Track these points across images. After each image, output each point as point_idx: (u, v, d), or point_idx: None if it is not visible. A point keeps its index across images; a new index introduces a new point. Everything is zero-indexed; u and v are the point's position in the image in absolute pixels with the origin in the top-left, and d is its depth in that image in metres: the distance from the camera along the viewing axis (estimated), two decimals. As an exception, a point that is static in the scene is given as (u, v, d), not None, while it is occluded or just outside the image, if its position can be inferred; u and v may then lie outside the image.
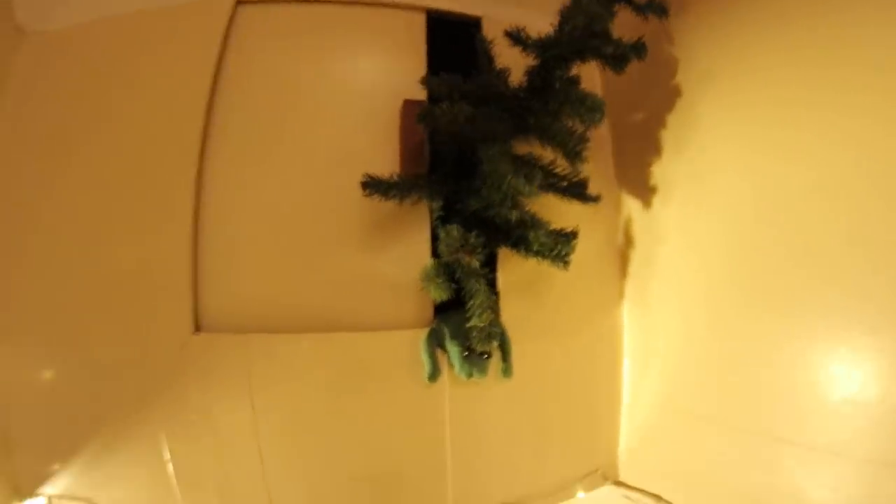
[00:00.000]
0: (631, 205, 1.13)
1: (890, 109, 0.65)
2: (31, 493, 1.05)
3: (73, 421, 1.00)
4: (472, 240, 0.77)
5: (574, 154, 0.80)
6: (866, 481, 0.67)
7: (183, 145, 0.99)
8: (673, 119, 1.02)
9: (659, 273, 1.07)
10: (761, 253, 0.84)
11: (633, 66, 0.91)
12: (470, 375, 0.92)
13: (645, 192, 1.09)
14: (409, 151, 0.98)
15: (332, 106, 1.05)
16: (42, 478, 1.03)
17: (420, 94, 1.01)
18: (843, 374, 0.71)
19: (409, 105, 0.99)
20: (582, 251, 1.07)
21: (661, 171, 1.06)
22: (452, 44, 1.13)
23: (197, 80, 1.01)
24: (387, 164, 1.00)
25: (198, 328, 0.94)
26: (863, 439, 0.68)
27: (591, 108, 0.79)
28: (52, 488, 1.04)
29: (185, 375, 0.93)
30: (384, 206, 0.95)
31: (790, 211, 0.79)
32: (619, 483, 1.16)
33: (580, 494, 1.12)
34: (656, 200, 1.06)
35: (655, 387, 1.08)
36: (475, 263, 0.77)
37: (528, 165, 0.85)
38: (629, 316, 1.14)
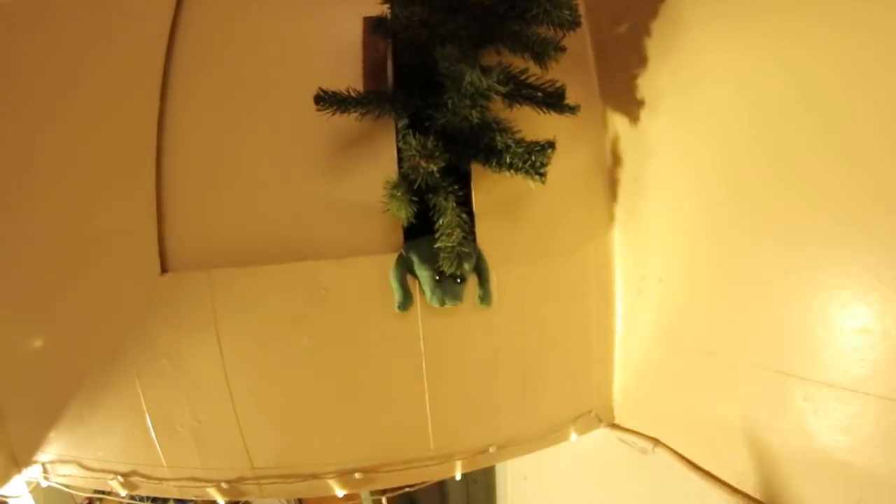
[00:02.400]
0: (617, 121, 1.08)
1: (883, 14, 0.59)
2: (28, 461, 1.10)
3: (56, 383, 1.04)
4: (430, 144, 0.75)
5: (539, 55, 0.77)
6: (883, 420, 0.62)
7: (144, 90, 1.00)
8: (657, 27, 0.97)
9: (651, 193, 1.03)
10: (758, 169, 0.78)
11: None
12: (442, 303, 0.90)
13: (631, 106, 1.04)
14: (370, 68, 0.96)
15: (293, 32, 1.05)
16: (35, 446, 1.09)
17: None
18: (857, 302, 0.64)
19: (369, 22, 0.97)
20: (567, 171, 1.05)
21: (647, 84, 1.01)
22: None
23: (156, 22, 1.03)
24: (351, 83, 0.98)
25: (164, 269, 0.95)
26: (880, 374, 0.62)
27: (559, 6, 0.75)
28: (45, 455, 1.10)
29: (155, 318, 0.95)
30: (349, 129, 0.95)
31: (781, 123, 0.74)
32: (614, 426, 1.13)
33: (573, 437, 1.10)
34: (644, 114, 1.02)
35: (651, 317, 1.04)
36: (433, 168, 0.74)
37: (497, 66, 0.81)
38: (620, 240, 1.10)
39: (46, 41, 1.08)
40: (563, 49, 0.94)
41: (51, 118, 1.04)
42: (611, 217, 1.11)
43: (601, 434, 1.15)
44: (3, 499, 1.17)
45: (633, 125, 1.05)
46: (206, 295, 0.93)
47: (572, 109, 0.95)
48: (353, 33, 0.99)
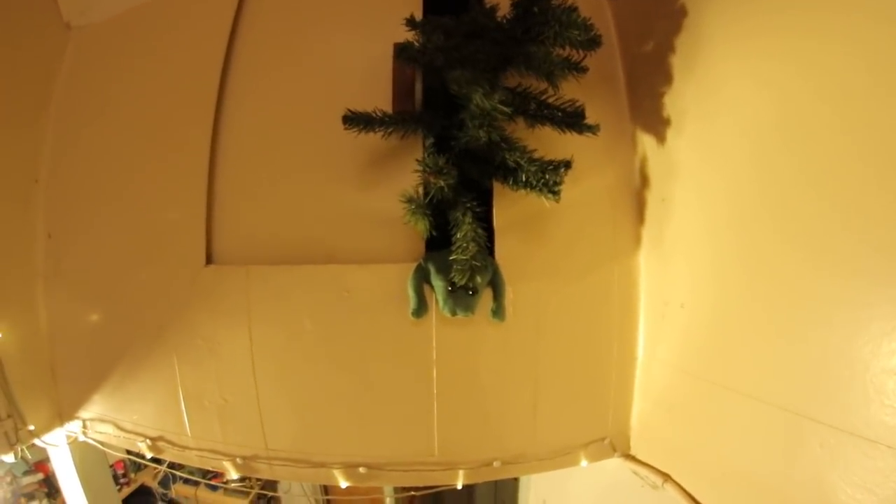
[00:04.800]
0: (646, 141, 1.11)
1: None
2: (71, 416, 1.32)
3: (105, 352, 1.25)
4: (440, 162, 0.83)
5: (549, 74, 0.83)
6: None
7: (201, 104, 1.19)
8: (681, 42, 1.01)
9: (676, 215, 1.04)
10: (789, 191, 0.76)
11: None
12: (454, 313, 0.97)
13: (658, 125, 1.07)
14: (399, 89, 1.07)
15: (334, 58, 1.20)
16: (79, 404, 1.30)
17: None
18: (887, 339, 0.60)
19: (397, 48, 1.08)
20: (593, 190, 1.10)
21: (673, 102, 1.05)
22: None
23: (212, 51, 1.22)
24: (384, 105, 1.10)
25: (209, 261, 1.12)
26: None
27: (567, 25, 0.81)
28: (86, 413, 1.30)
29: (197, 304, 1.12)
30: (380, 146, 1.07)
31: (810, 128, 0.73)
32: (628, 457, 1.12)
33: (583, 463, 1.11)
34: (670, 134, 1.05)
35: (671, 344, 1.05)
36: (442, 184, 0.82)
37: (501, 87, 0.88)
38: (645, 263, 1.12)
39: (118, 58, 1.32)
40: (582, 69, 0.99)
41: (120, 126, 1.27)
42: (637, 238, 1.13)
43: (614, 463, 1.15)
44: (45, 444, 1.37)
45: (660, 145, 1.07)
46: (242, 288, 1.08)
47: (591, 129, 0.99)
48: (386, 57, 1.10)
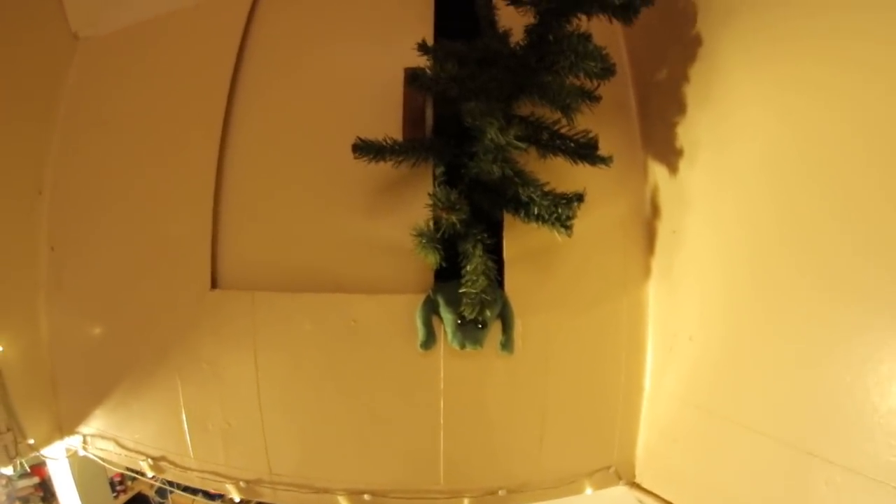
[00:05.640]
0: (657, 171, 1.11)
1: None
2: (71, 431, 1.32)
3: (107, 368, 1.26)
4: (453, 197, 0.83)
5: (565, 107, 0.82)
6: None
7: (208, 126, 1.19)
8: (695, 71, 1.01)
9: (686, 247, 1.05)
10: (807, 216, 0.76)
11: (654, 20, 0.91)
12: (463, 346, 0.97)
13: (671, 156, 1.07)
14: (410, 116, 1.06)
15: (343, 82, 1.20)
16: (80, 419, 1.31)
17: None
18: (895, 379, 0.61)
19: (407, 74, 1.08)
20: (604, 221, 1.10)
21: (686, 132, 1.05)
22: (464, 17, 1.19)
23: (220, 69, 1.21)
24: (394, 131, 1.10)
25: (214, 285, 1.12)
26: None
27: (584, 56, 0.80)
28: (87, 428, 1.31)
29: (201, 327, 1.12)
30: (389, 174, 1.06)
31: (827, 158, 0.73)
32: (633, 484, 1.13)
33: (588, 491, 1.11)
34: (682, 164, 1.05)
35: (678, 377, 1.06)
36: (454, 220, 0.82)
37: (517, 121, 0.88)
38: (655, 295, 1.12)
39: (125, 71, 1.31)
40: (596, 98, 0.99)
41: (126, 141, 1.27)
42: (647, 270, 1.13)
43: (619, 491, 1.16)
44: (43, 457, 1.37)
45: (672, 175, 1.08)
46: (248, 313, 1.08)
47: (604, 161, 0.99)
48: (397, 82, 1.10)
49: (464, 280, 0.93)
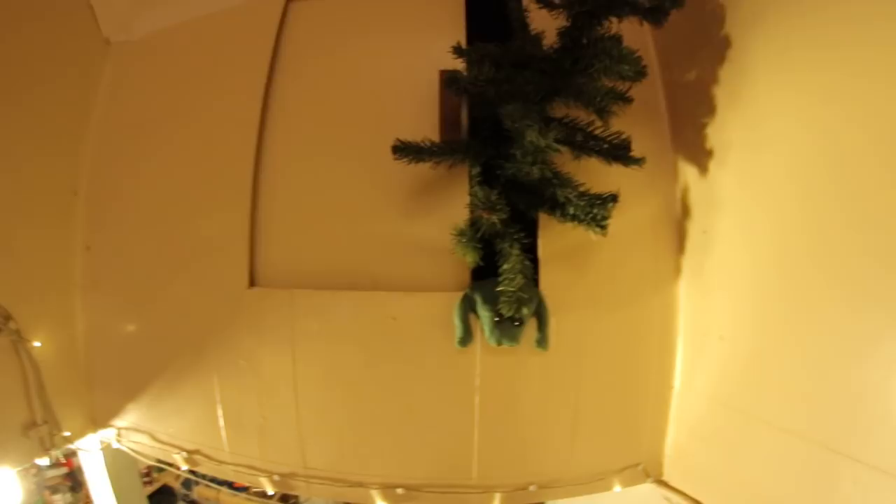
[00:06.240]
0: (688, 171, 1.13)
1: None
2: (105, 424, 1.37)
3: (143, 364, 1.30)
4: (494, 198, 0.85)
5: (600, 109, 0.84)
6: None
7: (244, 127, 1.22)
8: (724, 72, 1.02)
9: (716, 247, 1.06)
10: (833, 220, 0.78)
11: (682, 21, 0.93)
12: (499, 343, 0.99)
13: (701, 156, 1.09)
14: (446, 118, 1.09)
15: (378, 83, 1.22)
16: (114, 412, 1.35)
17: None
18: None
19: (444, 75, 1.10)
20: (635, 221, 1.12)
21: (716, 132, 1.06)
22: (495, 18, 1.21)
23: (255, 71, 1.24)
24: (430, 133, 1.13)
25: (252, 283, 1.15)
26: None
27: (618, 60, 0.82)
28: (121, 421, 1.35)
29: (239, 325, 1.15)
30: (426, 174, 1.09)
31: (853, 170, 0.74)
32: (661, 482, 1.15)
33: (616, 488, 1.13)
34: (712, 165, 1.06)
35: (708, 376, 1.07)
36: (494, 220, 0.84)
37: (556, 124, 0.90)
38: (686, 294, 1.14)
39: (158, 74, 1.35)
40: (629, 100, 1.00)
41: (161, 142, 1.30)
42: (678, 269, 1.15)
43: (646, 489, 1.18)
44: (78, 449, 1.41)
45: (702, 176, 1.09)
46: (286, 310, 1.12)
47: (637, 162, 1.00)
48: (432, 82, 1.13)
49: (501, 278, 0.96)
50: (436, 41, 1.17)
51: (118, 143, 1.34)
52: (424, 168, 1.03)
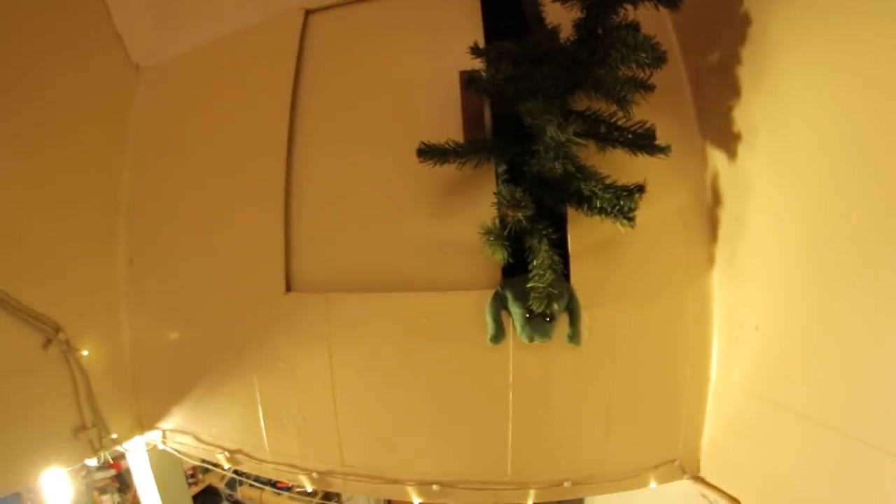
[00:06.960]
0: (716, 157, 1.11)
1: None
2: (151, 426, 1.44)
3: (186, 369, 1.36)
4: (518, 195, 0.86)
5: (621, 100, 0.84)
6: None
7: (273, 139, 1.26)
8: (747, 54, 0.99)
9: (749, 234, 1.03)
10: (861, 209, 0.75)
11: (702, 2, 0.91)
12: (531, 339, 0.99)
13: (729, 140, 1.07)
14: (469, 117, 1.10)
15: (401, 88, 1.25)
16: (160, 415, 1.41)
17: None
18: None
19: (464, 75, 1.11)
20: (665, 211, 1.11)
21: (743, 116, 1.03)
22: (511, 16, 1.22)
23: (280, 83, 1.29)
24: (454, 133, 1.14)
25: (288, 288, 1.19)
26: None
27: (634, 48, 0.82)
28: (166, 424, 1.42)
29: (277, 329, 1.20)
30: (454, 174, 1.11)
31: (875, 157, 0.71)
32: (698, 479, 1.13)
33: (652, 485, 1.12)
34: (741, 149, 1.04)
35: (745, 368, 1.04)
36: (520, 217, 0.85)
37: (576, 118, 0.90)
38: (720, 285, 1.11)
39: (188, 94, 1.41)
40: (650, 88, 0.99)
41: (195, 159, 1.37)
42: (710, 259, 1.13)
43: (683, 485, 1.16)
44: (125, 451, 1.49)
45: (731, 161, 1.07)
46: (322, 314, 1.16)
47: (663, 150, 0.99)
48: (453, 83, 1.15)
49: (531, 275, 0.96)
50: (455, 42, 1.19)
51: (154, 161, 1.41)
52: (451, 168, 1.05)
